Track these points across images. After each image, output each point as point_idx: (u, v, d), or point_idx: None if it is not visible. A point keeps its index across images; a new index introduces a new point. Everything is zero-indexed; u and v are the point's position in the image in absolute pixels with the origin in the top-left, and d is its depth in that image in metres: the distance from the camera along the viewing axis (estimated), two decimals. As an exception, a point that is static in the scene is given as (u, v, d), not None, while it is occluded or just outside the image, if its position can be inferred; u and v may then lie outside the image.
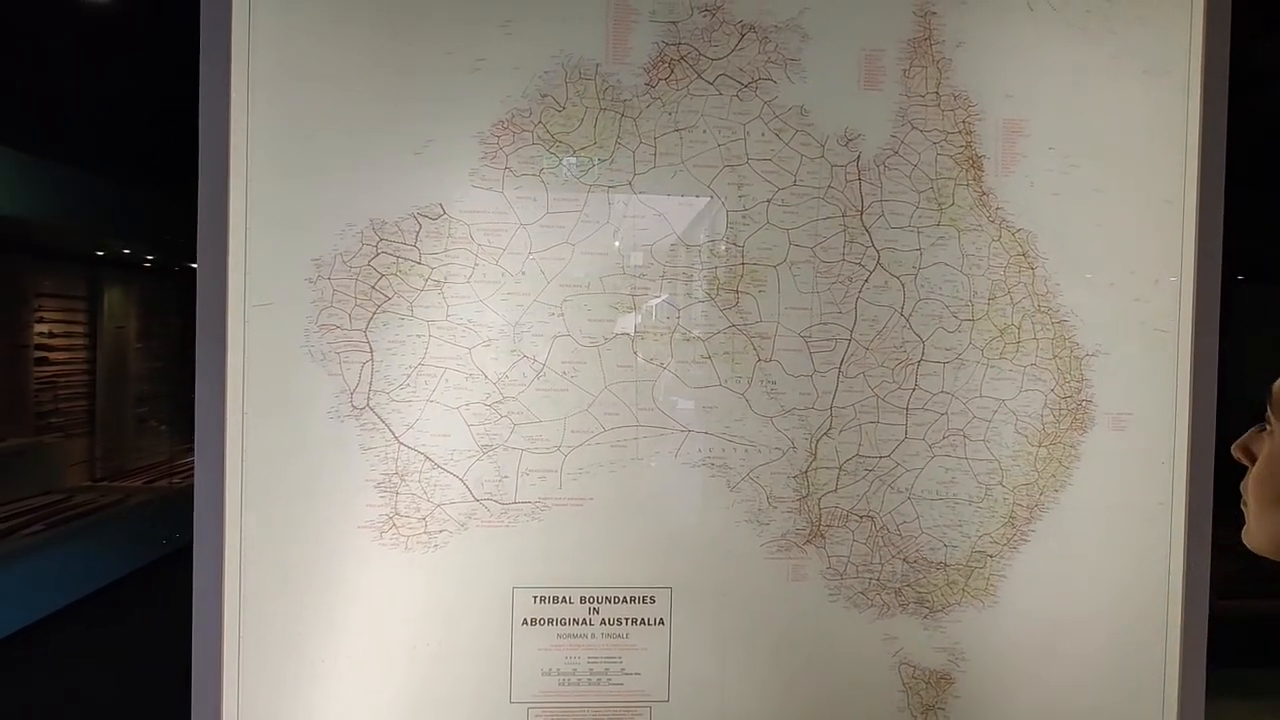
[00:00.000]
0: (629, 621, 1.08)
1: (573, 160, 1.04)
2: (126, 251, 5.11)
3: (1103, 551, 1.13)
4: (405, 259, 1.04)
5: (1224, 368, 1.14)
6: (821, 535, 1.10)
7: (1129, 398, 1.13)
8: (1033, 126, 1.11)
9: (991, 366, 1.11)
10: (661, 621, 1.08)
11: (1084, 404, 1.12)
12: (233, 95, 1.02)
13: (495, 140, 1.04)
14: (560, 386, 1.06)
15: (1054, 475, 1.12)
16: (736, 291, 1.07)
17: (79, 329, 5.02)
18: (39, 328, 4.64)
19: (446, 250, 1.04)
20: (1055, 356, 1.12)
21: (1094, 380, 1.12)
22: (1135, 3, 1.12)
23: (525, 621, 1.07)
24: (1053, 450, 1.12)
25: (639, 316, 1.06)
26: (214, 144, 1.01)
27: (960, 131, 1.10)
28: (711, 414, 1.08)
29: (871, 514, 1.10)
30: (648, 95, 1.06)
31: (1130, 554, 1.13)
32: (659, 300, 1.05)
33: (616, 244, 1.06)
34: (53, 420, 4.72)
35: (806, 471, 1.09)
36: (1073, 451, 1.12)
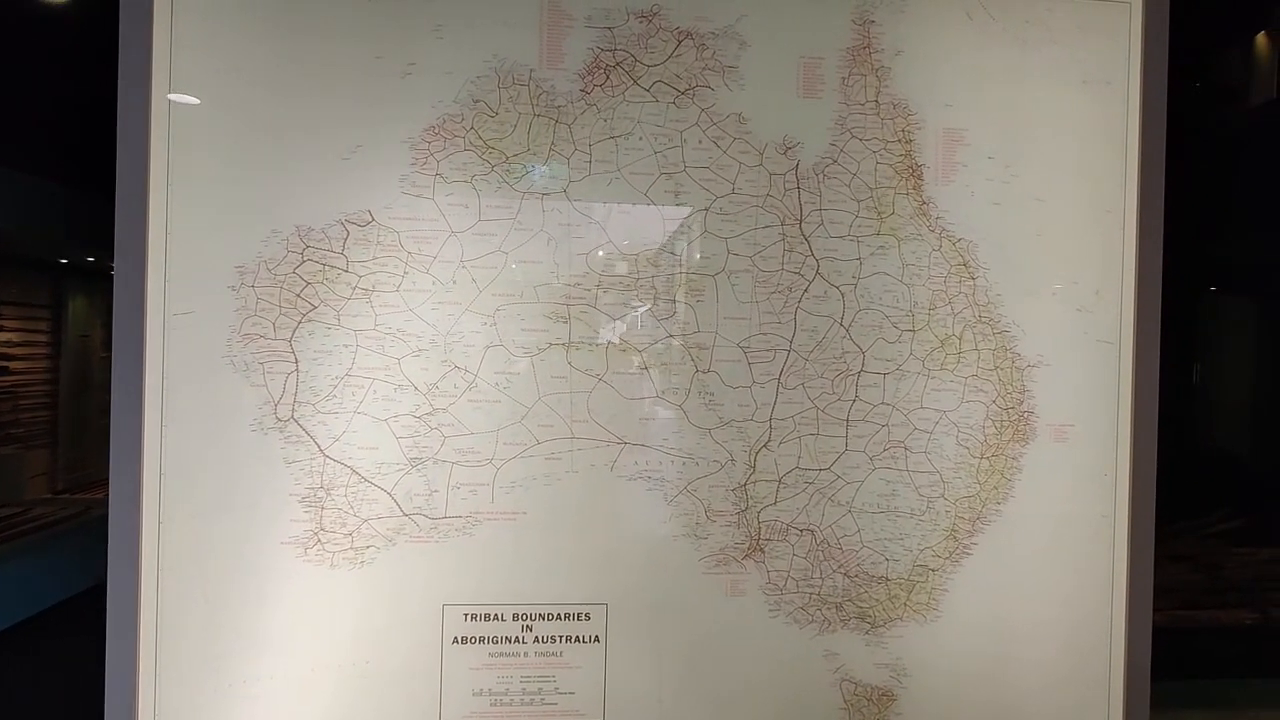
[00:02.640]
0: (563, 639, 1.05)
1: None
2: (91, 259, 5.02)
3: (1046, 564, 1.12)
4: (332, 266, 1.01)
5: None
6: (761, 549, 1.07)
7: (1071, 409, 1.12)
8: (972, 135, 1.10)
9: (932, 378, 1.09)
10: (597, 639, 1.05)
11: (1026, 415, 1.11)
12: (153, 98, 0.99)
13: (426, 146, 1.02)
14: (492, 398, 1.03)
15: (996, 487, 1.11)
16: (674, 301, 1.05)
17: (41, 338, 4.92)
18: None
19: (375, 258, 1.02)
20: (997, 367, 1.10)
21: (1036, 391, 1.11)
22: (1075, 12, 1.12)
23: (456, 640, 1.04)
24: (995, 462, 1.11)
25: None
26: (134, 148, 0.98)
27: (900, 140, 1.09)
28: (648, 426, 1.05)
29: (812, 527, 1.08)
30: (583, 102, 1.04)
31: (1074, 566, 1.12)
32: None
33: (551, 253, 1.04)
34: (12, 431, 4.62)
35: (745, 484, 1.07)
36: (1015, 463, 1.11)
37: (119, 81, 0.98)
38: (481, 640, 1.04)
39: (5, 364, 4.66)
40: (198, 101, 0.99)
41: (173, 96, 0.98)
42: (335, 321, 1.01)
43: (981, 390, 1.10)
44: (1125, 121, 1.12)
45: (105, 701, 0.99)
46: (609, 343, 1.04)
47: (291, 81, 1.00)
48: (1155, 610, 1.13)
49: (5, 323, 4.66)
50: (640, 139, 1.05)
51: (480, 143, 1.03)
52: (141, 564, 0.99)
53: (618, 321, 1.05)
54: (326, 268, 1.01)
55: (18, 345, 4.72)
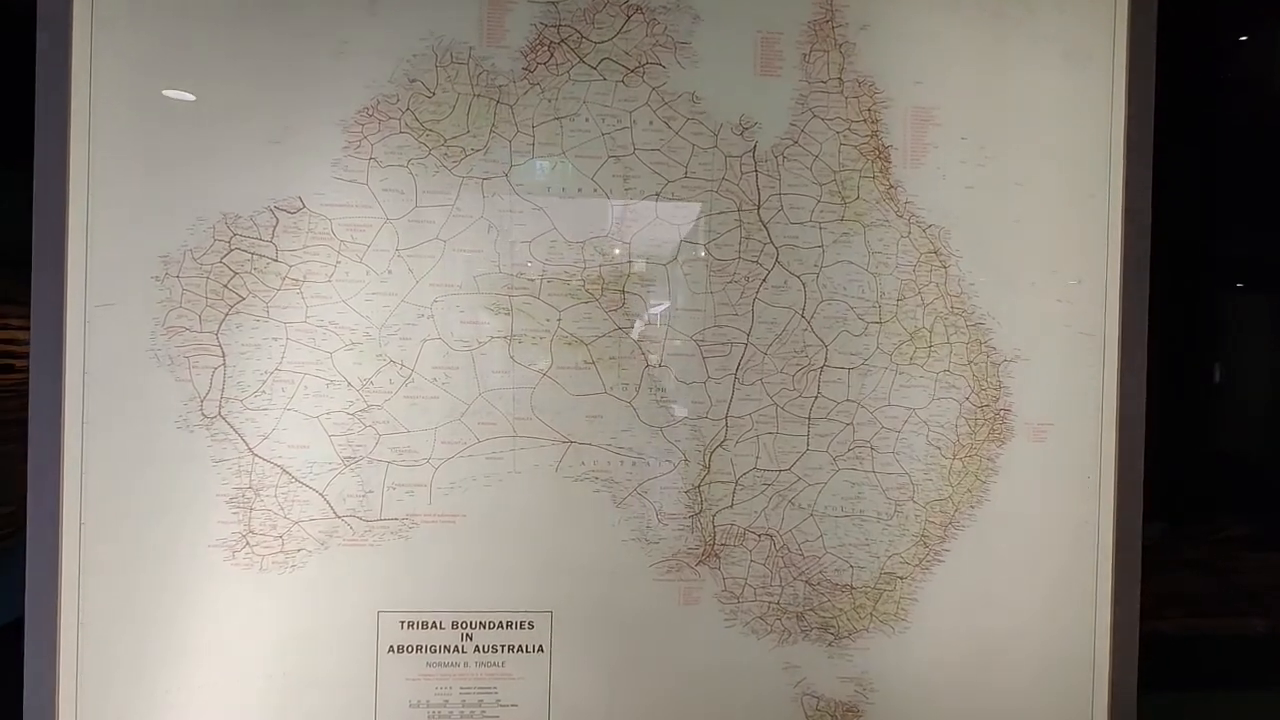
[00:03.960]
0: (505, 649, 0.99)
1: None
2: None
3: (1024, 572, 1.05)
4: (261, 255, 0.96)
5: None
6: (716, 555, 1.01)
7: (1050, 406, 1.05)
8: (944, 115, 1.03)
9: (901, 373, 1.02)
10: (541, 649, 1.00)
11: (1002, 413, 1.04)
12: (73, 79, 0.94)
13: (359, 129, 0.97)
14: (430, 394, 0.98)
15: (970, 490, 1.04)
16: (622, 292, 1.00)
17: (48, 337, 4.93)
18: (2, 334, 4.56)
19: (306, 246, 0.97)
20: (970, 362, 1.04)
21: (1012, 388, 1.04)
22: (1055, -17, 1.04)
23: (391, 649, 0.98)
24: (968, 463, 1.04)
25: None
26: (51, 131, 0.94)
27: (865, 120, 1.02)
28: (595, 424, 0.99)
29: (771, 532, 1.02)
30: (525, 81, 0.99)
31: (1054, 575, 1.05)
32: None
33: (492, 241, 0.98)
34: (20, 430, 4.65)
35: (699, 486, 1.01)
36: (990, 464, 1.04)
37: (36, 65, 0.94)
38: (419, 649, 0.99)
39: (10, 361, 4.72)
40: (118, 85, 0.94)
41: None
42: (264, 314, 0.96)
43: (954, 386, 1.03)
44: (1110, 99, 1.05)
45: (24, 713, 0.95)
46: (553, 335, 0.99)
47: (216, 62, 0.95)
48: (1163, 619, 1.06)
49: (11, 321, 4.71)
50: (587, 120, 0.99)
51: (417, 125, 0.97)
52: (62, 568, 0.94)
53: (562, 313, 0.99)
54: (255, 257, 0.96)
55: (24, 345, 4.76)
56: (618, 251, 1.00)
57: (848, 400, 1.02)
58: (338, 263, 0.97)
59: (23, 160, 0.94)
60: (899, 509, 1.03)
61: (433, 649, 0.98)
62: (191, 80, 0.95)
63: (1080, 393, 1.05)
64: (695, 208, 1.00)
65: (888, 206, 1.02)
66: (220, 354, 0.96)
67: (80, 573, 0.94)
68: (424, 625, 0.98)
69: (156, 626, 0.95)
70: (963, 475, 1.03)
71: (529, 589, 0.99)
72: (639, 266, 1.00)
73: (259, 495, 0.96)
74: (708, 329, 1.00)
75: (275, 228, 0.96)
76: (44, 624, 0.94)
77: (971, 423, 1.03)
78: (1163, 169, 1.06)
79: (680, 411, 1.00)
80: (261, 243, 0.96)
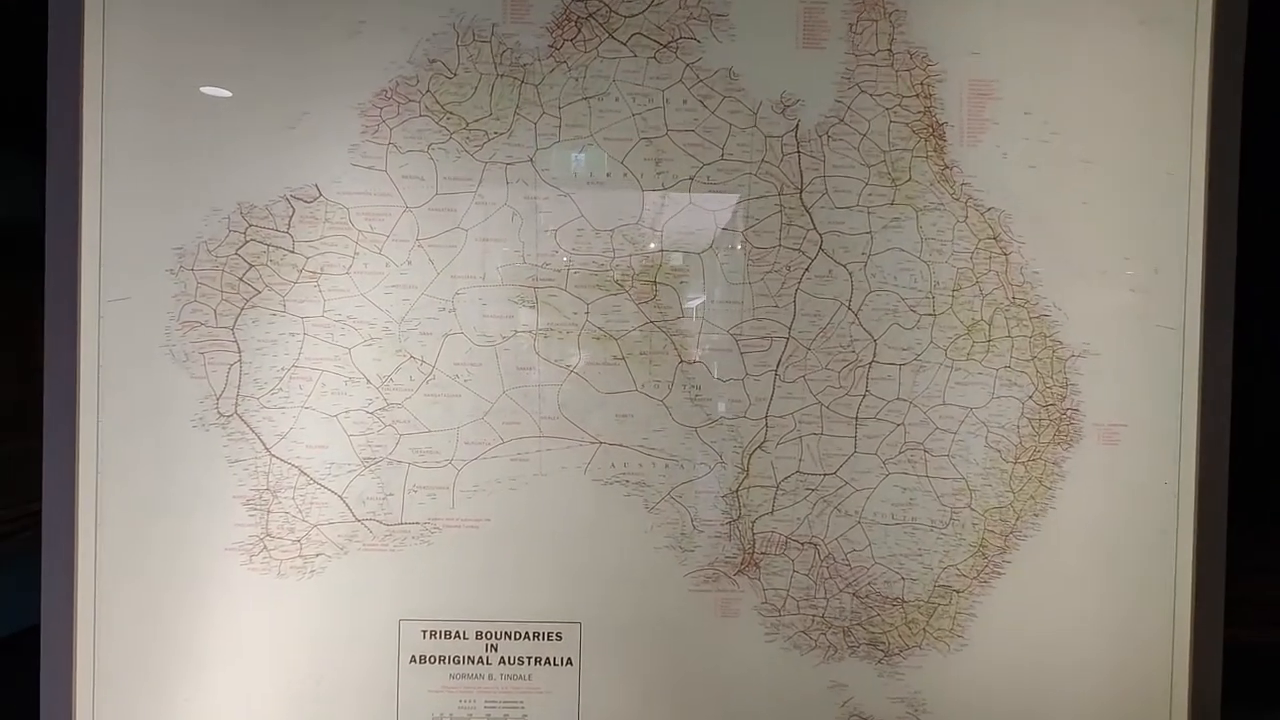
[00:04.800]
0: (532, 661, 0.94)
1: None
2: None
3: (1092, 588, 0.96)
4: (277, 247, 0.92)
5: None
6: (756, 564, 0.95)
7: (1123, 406, 0.96)
8: (1005, 88, 0.94)
9: (957, 369, 0.94)
10: (569, 661, 0.94)
11: (1069, 413, 0.95)
12: (86, 68, 0.91)
13: (378, 113, 0.92)
14: (452, 392, 0.93)
15: (1033, 497, 0.95)
16: (654, 283, 0.93)
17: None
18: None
19: (323, 237, 0.92)
20: (1034, 358, 0.95)
21: (1081, 385, 0.95)
22: (1129, -59, 0.95)
23: (413, 659, 0.94)
24: (1031, 468, 0.95)
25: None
26: (64, 120, 0.91)
27: (918, 95, 0.94)
28: (626, 424, 0.93)
29: (815, 540, 0.95)
30: (551, 59, 0.93)
31: (1126, 590, 0.96)
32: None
33: (516, 229, 0.93)
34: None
35: (737, 490, 0.94)
36: (1056, 469, 0.95)
37: (48, 55, 0.91)
38: (442, 660, 0.94)
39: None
40: (131, 73, 0.91)
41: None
42: (280, 307, 0.92)
43: (1016, 384, 0.95)
44: (1191, 68, 0.95)
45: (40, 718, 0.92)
46: (581, 329, 0.93)
47: (230, 46, 0.91)
48: (1245, 627, 0.96)
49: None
50: (616, 100, 0.93)
51: (437, 107, 0.92)
52: (78, 571, 0.92)
53: (590, 305, 0.93)
54: (271, 248, 0.92)
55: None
56: (650, 240, 0.93)
57: (898, 399, 0.94)
58: (356, 254, 0.92)
59: (34, 150, 0.91)
60: (955, 517, 0.95)
61: (456, 660, 0.94)
62: (204, 66, 0.91)
63: (1156, 391, 0.96)
64: (733, 193, 0.93)
65: (942, 189, 0.94)
66: (236, 350, 0.92)
67: (96, 577, 0.92)
68: (447, 635, 0.94)
69: (173, 631, 0.92)
70: (1025, 481, 0.95)
71: (557, 598, 0.94)
72: (672, 256, 0.93)
73: (276, 497, 0.92)
74: (746, 322, 0.93)
75: (291, 217, 0.92)
76: (60, 629, 0.92)
77: (1035, 424, 0.95)
78: (1251, 144, 0.96)
79: (717, 410, 0.94)
80: (278, 233, 0.92)
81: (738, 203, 0.93)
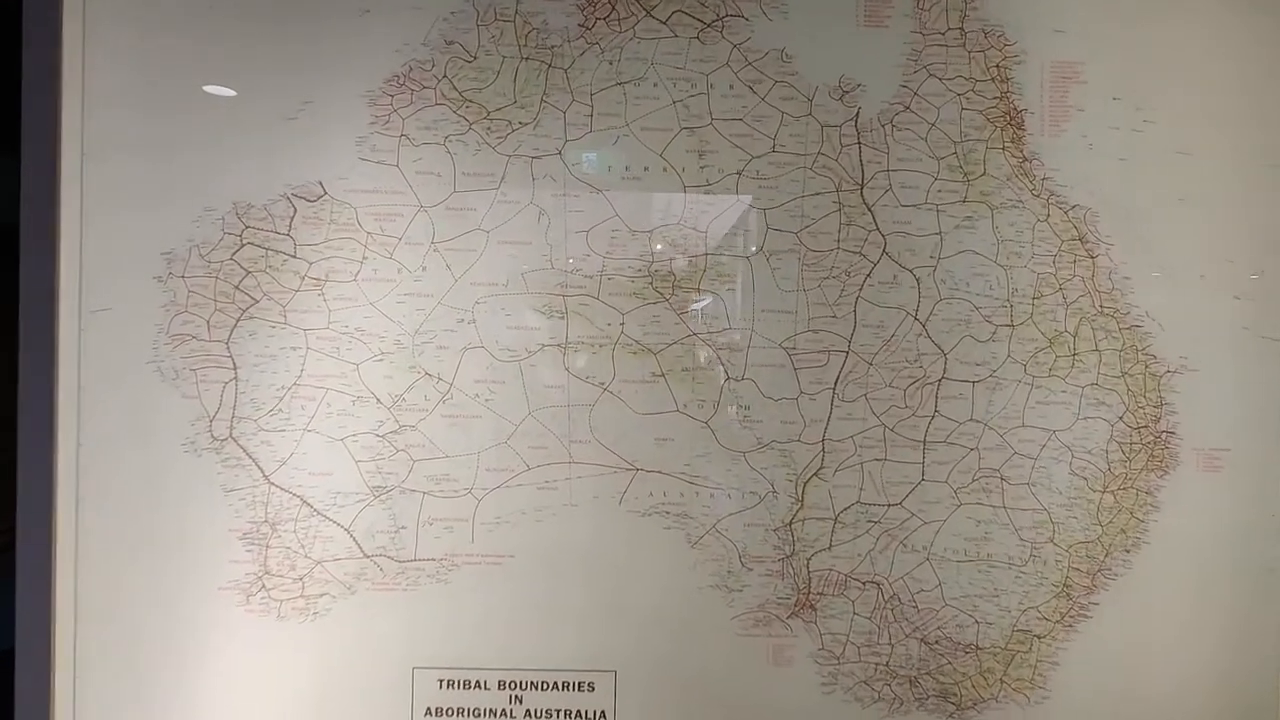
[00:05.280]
0: (561, 714, 0.84)
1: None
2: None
3: (1191, 632, 0.85)
4: (277, 251, 0.82)
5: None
6: (811, 606, 0.84)
7: (1226, 428, 0.85)
8: (1092, 70, 0.84)
9: (1038, 387, 0.84)
10: (603, 715, 0.84)
11: (1164, 436, 0.85)
12: (65, 56, 0.82)
13: (388, 101, 0.82)
14: (472, 412, 0.83)
15: (1123, 530, 0.85)
16: (698, 290, 0.83)
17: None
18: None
19: (328, 240, 0.83)
20: (1125, 374, 0.85)
21: (1178, 405, 0.85)
22: (1231, -95, 0.85)
23: (429, 711, 0.84)
24: (1121, 498, 0.85)
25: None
26: (39, 111, 0.82)
27: (994, 79, 0.84)
28: (666, 448, 0.83)
29: (877, 579, 0.84)
30: (582, 40, 0.83)
31: (1228, 637, 0.85)
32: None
33: (544, 231, 0.83)
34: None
35: (791, 523, 0.84)
36: (1149, 499, 0.85)
37: (23, 37, 0.82)
38: (461, 713, 0.84)
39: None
40: (115, 60, 0.82)
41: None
42: (281, 319, 0.83)
43: (1104, 403, 0.84)
44: (1301, 47, 0.85)
45: (14, 775, 0.83)
46: (615, 342, 0.83)
47: (223, 27, 0.82)
48: None
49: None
50: (655, 85, 0.83)
51: (455, 95, 0.83)
52: (54, 612, 0.82)
53: (626, 316, 0.83)
54: (270, 252, 0.82)
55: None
56: (693, 242, 0.83)
57: (971, 420, 0.84)
58: (364, 258, 0.82)
59: (8, 144, 0.82)
60: (1036, 553, 0.84)
61: (477, 713, 0.84)
62: (194, 53, 0.82)
63: (1263, 411, 0.85)
64: (785, 188, 0.83)
65: (1021, 184, 0.84)
66: (231, 366, 0.82)
67: (76, 620, 0.82)
68: (466, 685, 0.84)
69: (159, 680, 0.83)
70: (1115, 512, 0.85)
71: (589, 644, 0.84)
72: (718, 260, 0.83)
73: (276, 530, 0.83)
74: (800, 334, 0.83)
75: (293, 218, 0.82)
76: (36, 673, 0.82)
77: (1126, 448, 0.84)
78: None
79: (768, 433, 0.83)
80: (277, 236, 0.82)
81: (789, 199, 0.83)
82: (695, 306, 0.83)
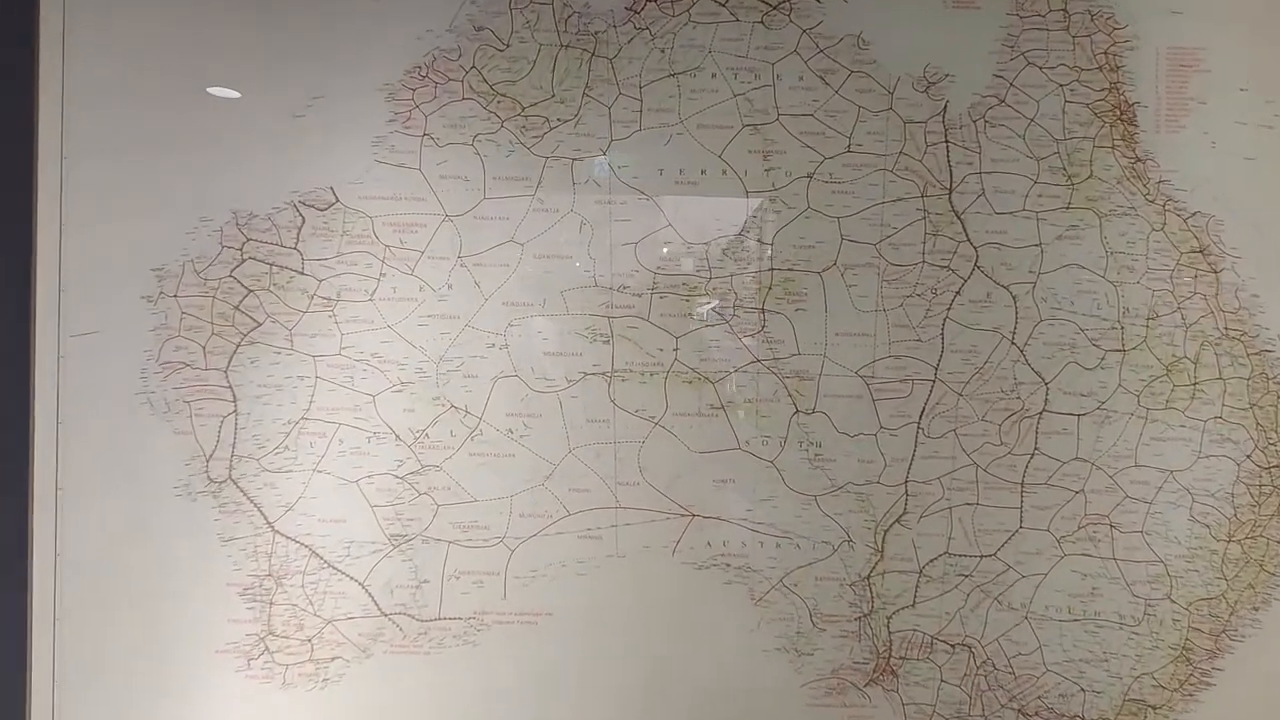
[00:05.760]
0: (605, 795, 0.74)
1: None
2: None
3: (1330, 702, 0.74)
4: (282, 267, 0.72)
5: None
6: (893, 672, 0.74)
7: (1371, 468, 0.74)
8: (1214, 57, 0.73)
9: (1153, 421, 0.73)
10: (653, 796, 0.74)
11: (1299, 477, 0.74)
12: (41, 41, 0.72)
13: (409, 96, 0.72)
14: (504, 450, 0.73)
15: (1251, 585, 0.74)
16: (762, 310, 0.73)
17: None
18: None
19: (340, 254, 0.73)
20: (1253, 405, 0.74)
21: (1315, 441, 0.74)
22: None
23: (454, 791, 0.73)
24: (1250, 548, 0.74)
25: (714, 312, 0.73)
26: (12, 108, 0.72)
27: (1102, 67, 0.73)
28: (726, 491, 0.73)
29: (969, 641, 0.73)
30: (630, 25, 0.73)
31: (1374, 706, 0.74)
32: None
33: (585, 244, 0.73)
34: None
35: (869, 577, 0.73)
36: (1282, 549, 0.74)
37: (-2, 18, 0.72)
38: (490, 793, 0.74)
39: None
40: (100, 53, 0.72)
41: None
42: (287, 344, 0.72)
43: (1230, 439, 0.73)
44: None
45: None
46: (669, 369, 0.72)
47: (222, 17, 0.72)
48: None
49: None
50: (713, 76, 0.73)
51: (485, 88, 0.72)
52: (31, 677, 0.72)
53: (680, 340, 0.72)
54: (275, 268, 0.72)
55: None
56: (756, 255, 0.73)
57: (1077, 459, 0.73)
58: (382, 275, 0.72)
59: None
60: (1151, 611, 0.73)
61: (508, 794, 0.73)
62: (190, 44, 0.72)
63: None
64: (863, 194, 0.72)
65: (1133, 188, 0.73)
66: (231, 398, 0.72)
67: (55, 683, 0.72)
68: (497, 761, 0.73)
69: (151, 755, 0.73)
70: (1242, 564, 0.74)
71: (638, 713, 0.73)
72: (785, 276, 0.73)
73: (281, 585, 0.72)
74: (880, 360, 0.73)
75: (300, 229, 0.72)
76: (9, 751, 0.72)
77: (1255, 490, 0.74)
78: None
79: (843, 474, 0.73)
80: (283, 250, 0.72)
81: (867, 205, 0.72)
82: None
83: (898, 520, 0.73)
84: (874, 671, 0.74)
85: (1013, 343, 0.73)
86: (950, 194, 0.73)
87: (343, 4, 0.72)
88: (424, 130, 0.73)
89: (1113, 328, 0.73)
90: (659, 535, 0.73)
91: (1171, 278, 0.73)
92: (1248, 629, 0.74)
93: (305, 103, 0.72)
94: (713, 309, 0.72)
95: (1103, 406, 0.73)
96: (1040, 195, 0.73)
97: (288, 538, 0.73)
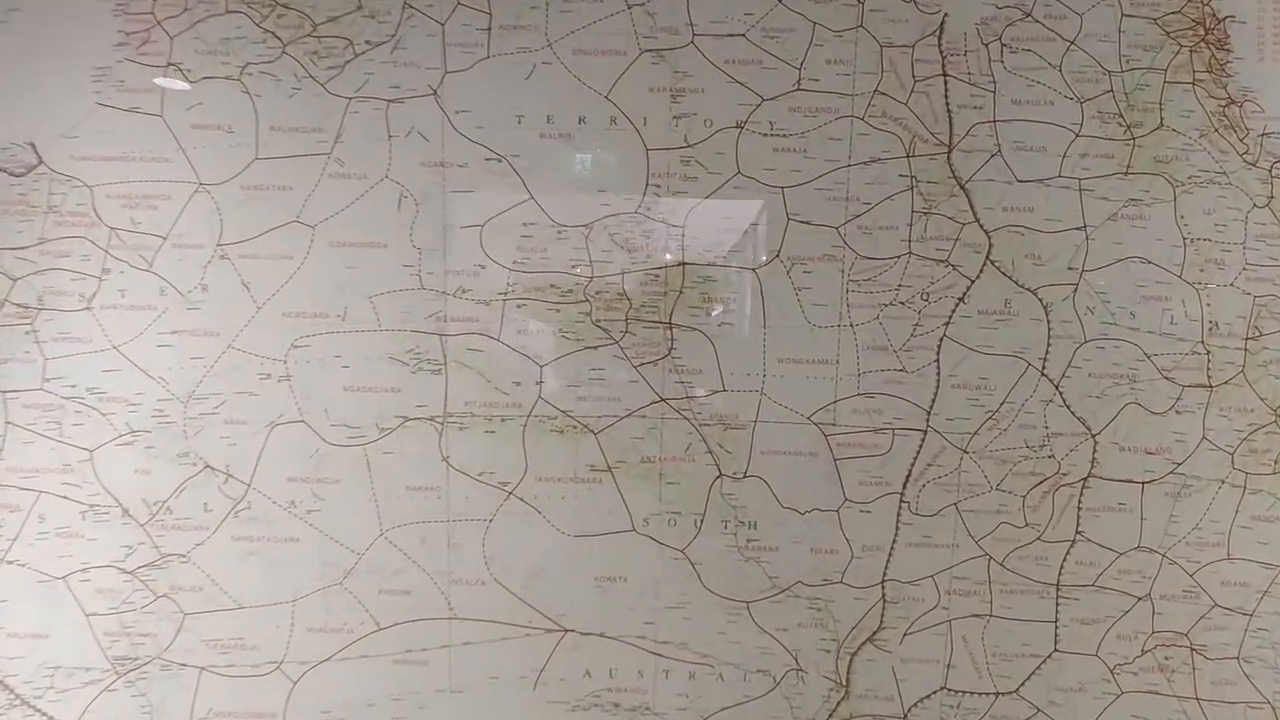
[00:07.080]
0: None
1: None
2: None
3: None
4: (-41, 260, 0.49)
5: None
6: None
7: None
8: (1343, -50, 0.50)
9: (1254, 491, 0.50)
10: None
11: None
12: None
13: (147, 6, 0.49)
14: (285, 532, 0.49)
15: (1402, 737, 0.50)
16: (669, 325, 0.49)
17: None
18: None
19: (43, 241, 0.51)
20: (1404, 468, 0.49)
21: None
22: None
23: None
24: (1401, 683, 0.49)
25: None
26: None
27: (1174, -35, 0.49)
28: (612, 596, 0.49)
29: (978, 821, 0.49)
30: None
31: None
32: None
33: (408, 226, 0.49)
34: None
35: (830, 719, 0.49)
36: None
37: None
38: None
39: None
40: None
41: None
42: (-39, 374, 0.49)
43: (1369, 520, 0.49)
44: None
45: None
46: (528, 405, 0.49)
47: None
48: None
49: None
50: (596, -22, 0.49)
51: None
52: None
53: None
54: (-55, 262, 0.49)
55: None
56: (660, 243, 0.49)
57: (1140, 549, 0.49)
58: (105, 271, 0.49)
59: None
60: (1251, 776, 0.49)
61: None
62: None
63: None
64: (819, 152, 0.49)
65: (1225, 143, 0.49)
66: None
67: None
68: None
69: None
70: (1389, 707, 0.49)
71: None
72: (702, 275, 0.49)
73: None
74: (844, 400, 0.49)
75: (-15, 202, 0.49)
76: None
77: None
78: None
79: (786, 569, 0.49)
80: (-43, 234, 0.49)
81: (829, 172, 0.49)
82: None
83: (870, 639, 0.49)
84: None
85: (1043, 374, 0.49)
86: (950, 153, 0.49)
87: None
88: (168, 58, 0.49)
89: (1194, 352, 0.49)
90: (514, 660, 0.49)
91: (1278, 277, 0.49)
92: (1398, 805, 0.50)
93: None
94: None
95: (1178, 470, 0.49)
96: (1085, 155, 0.49)
97: (-35, 662, 0.49)
